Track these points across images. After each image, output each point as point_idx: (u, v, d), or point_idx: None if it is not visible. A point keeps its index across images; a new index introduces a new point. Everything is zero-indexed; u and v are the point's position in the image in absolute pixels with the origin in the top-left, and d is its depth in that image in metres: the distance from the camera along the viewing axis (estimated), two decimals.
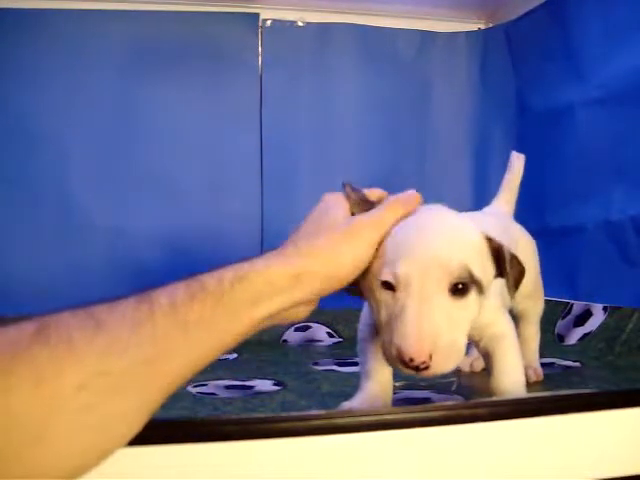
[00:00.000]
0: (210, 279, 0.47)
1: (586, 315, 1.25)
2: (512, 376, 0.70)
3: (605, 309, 1.22)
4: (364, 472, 0.48)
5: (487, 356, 0.72)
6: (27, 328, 0.40)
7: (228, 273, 0.48)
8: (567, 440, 0.54)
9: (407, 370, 0.53)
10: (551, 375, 0.97)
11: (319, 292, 0.53)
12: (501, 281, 0.66)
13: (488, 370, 0.73)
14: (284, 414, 0.49)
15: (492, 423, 0.51)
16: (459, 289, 0.55)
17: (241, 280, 0.48)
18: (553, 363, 1.07)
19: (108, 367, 0.40)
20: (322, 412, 0.50)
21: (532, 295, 0.96)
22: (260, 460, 0.47)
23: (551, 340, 1.25)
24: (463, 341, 0.56)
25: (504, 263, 0.61)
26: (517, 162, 1.05)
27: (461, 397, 0.84)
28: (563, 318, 1.29)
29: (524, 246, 0.95)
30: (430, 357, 0.52)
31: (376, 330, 0.68)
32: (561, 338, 1.26)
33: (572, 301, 1.29)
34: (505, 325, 0.72)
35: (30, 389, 0.37)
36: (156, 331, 0.43)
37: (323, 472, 0.48)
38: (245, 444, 0.47)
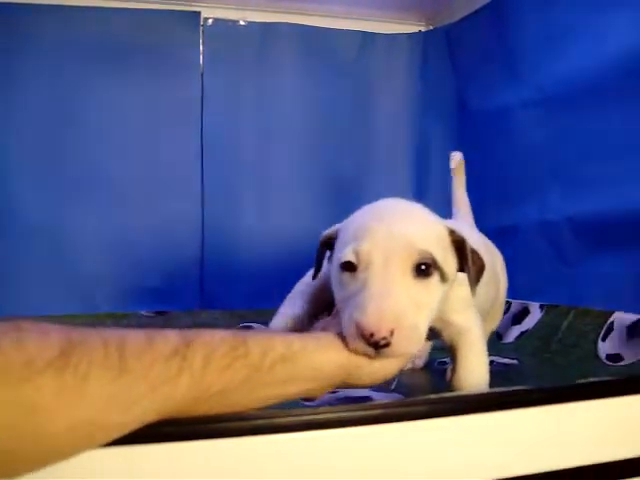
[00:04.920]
0: (256, 348, 0.46)
1: (524, 313, 1.28)
2: (474, 373, 0.69)
3: (542, 307, 1.24)
4: (299, 471, 0.48)
5: (452, 350, 0.71)
6: (52, 345, 0.38)
7: (277, 348, 0.48)
8: (505, 436, 0.54)
9: (367, 348, 0.51)
10: (490, 372, 0.98)
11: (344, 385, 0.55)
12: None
13: (452, 364, 0.72)
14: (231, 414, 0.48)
15: (430, 421, 0.51)
16: (422, 270, 0.54)
17: (285, 361, 0.47)
18: (492, 361, 1.08)
19: (107, 420, 0.39)
20: (264, 412, 0.49)
21: (492, 311, 0.95)
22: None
23: (490, 338, 1.27)
24: (424, 327, 0.55)
25: (466, 256, 0.60)
26: (461, 166, 1.05)
27: (400, 395, 0.84)
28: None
29: (500, 261, 0.96)
30: (391, 333, 0.50)
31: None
32: (499, 336, 1.28)
33: (510, 300, 1.31)
34: (472, 319, 0.70)
35: (20, 418, 0.36)
36: (176, 394, 0.42)
37: (259, 472, 0.47)
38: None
